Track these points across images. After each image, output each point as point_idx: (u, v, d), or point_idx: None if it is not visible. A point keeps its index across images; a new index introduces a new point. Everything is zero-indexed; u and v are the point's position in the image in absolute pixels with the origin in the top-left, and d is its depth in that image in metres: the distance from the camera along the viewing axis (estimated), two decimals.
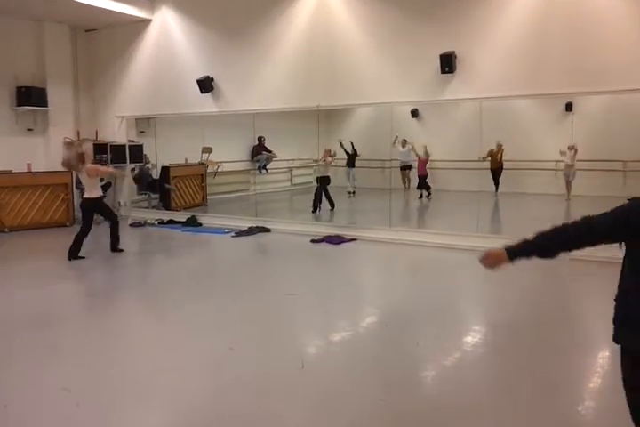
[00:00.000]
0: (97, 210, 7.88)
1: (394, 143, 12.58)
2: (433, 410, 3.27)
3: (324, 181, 11.68)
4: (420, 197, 13.01)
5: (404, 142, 13.25)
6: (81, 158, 7.52)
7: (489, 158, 12.12)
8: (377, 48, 8.72)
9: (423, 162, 12.94)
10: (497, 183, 12.48)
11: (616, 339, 1.98)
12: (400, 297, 5.89)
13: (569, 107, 11.23)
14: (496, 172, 12.39)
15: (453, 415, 3.22)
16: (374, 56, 8.74)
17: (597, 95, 8.16)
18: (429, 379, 3.82)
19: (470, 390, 3.58)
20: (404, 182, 13.71)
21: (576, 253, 6.87)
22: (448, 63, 7.94)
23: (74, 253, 7.58)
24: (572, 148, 11.23)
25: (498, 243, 7.18)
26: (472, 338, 4.56)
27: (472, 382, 3.70)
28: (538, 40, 7.47)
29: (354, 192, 14.04)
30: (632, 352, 1.91)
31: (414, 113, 13.59)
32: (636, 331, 1.88)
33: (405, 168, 13.54)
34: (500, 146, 12.20)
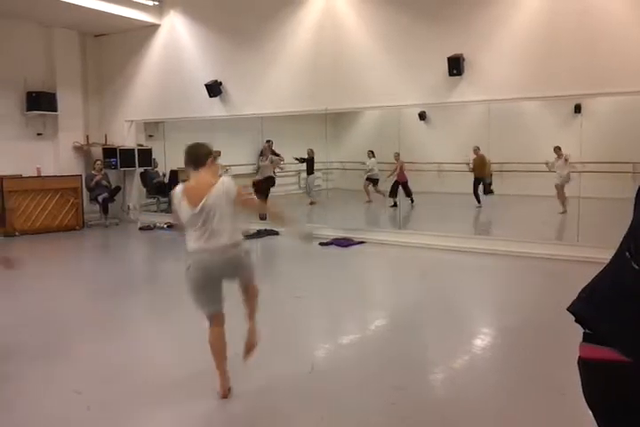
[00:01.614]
0: None
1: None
2: (443, 413, 3.26)
3: (266, 182, 10.62)
4: (411, 201, 12.21)
5: (370, 154, 12.76)
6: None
7: (471, 165, 11.63)
8: (384, 50, 8.73)
9: (400, 169, 12.15)
10: (486, 187, 11.73)
11: None
12: (409, 300, 5.88)
13: (578, 108, 11.17)
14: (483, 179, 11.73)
15: (463, 419, 3.21)
16: (382, 59, 8.75)
17: (606, 97, 8.12)
18: (439, 382, 3.81)
19: (480, 393, 3.56)
20: (367, 193, 13.05)
21: (581, 255, 6.84)
22: (456, 65, 7.92)
23: None
24: (560, 155, 10.56)
25: (506, 246, 7.19)
26: (481, 341, 4.55)
27: (482, 386, 3.69)
28: (546, 42, 7.45)
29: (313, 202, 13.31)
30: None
31: (422, 115, 13.55)
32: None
33: (369, 179, 12.86)
34: (480, 154, 11.58)
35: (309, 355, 4.20)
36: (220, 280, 3.42)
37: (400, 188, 11.92)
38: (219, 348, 3.42)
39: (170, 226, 11.04)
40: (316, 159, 13.18)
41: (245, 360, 3.57)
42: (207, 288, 3.37)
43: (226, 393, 3.40)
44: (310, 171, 13.14)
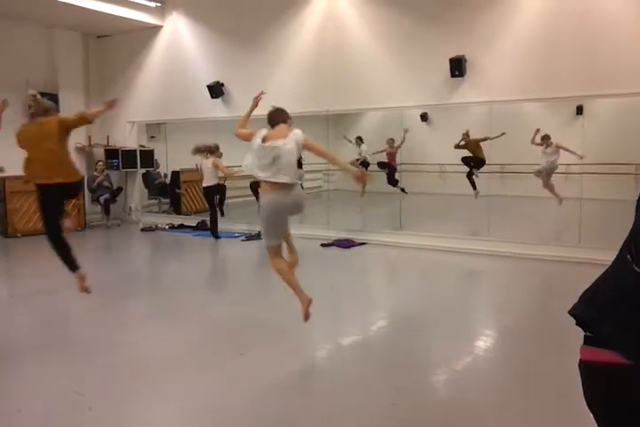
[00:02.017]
0: (216, 193, 9.82)
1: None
2: (444, 414, 3.26)
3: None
4: (402, 190, 11.23)
5: (359, 141, 12.72)
6: (211, 151, 9.52)
7: (462, 143, 11.27)
8: (386, 52, 8.73)
9: (391, 153, 11.82)
10: (473, 173, 11.09)
11: None
12: (410, 301, 5.87)
13: (579, 110, 11.16)
14: (473, 160, 11.08)
15: (465, 420, 3.20)
16: (384, 60, 8.76)
17: (609, 98, 8.12)
18: (441, 383, 3.80)
19: (482, 394, 3.56)
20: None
21: (582, 257, 6.84)
22: (458, 67, 7.93)
23: (215, 233, 9.69)
24: (549, 144, 10.32)
25: (507, 247, 7.20)
26: (483, 342, 4.54)
27: (483, 387, 3.69)
28: (547, 43, 7.45)
29: None
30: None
31: (424, 117, 13.54)
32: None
33: (362, 164, 12.35)
34: (468, 139, 11.23)
35: (311, 355, 4.20)
36: (286, 218, 4.39)
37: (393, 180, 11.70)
38: (285, 270, 4.36)
39: (171, 227, 11.07)
40: (316, 160, 13.09)
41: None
42: (276, 223, 4.32)
43: (307, 309, 4.26)
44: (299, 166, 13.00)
